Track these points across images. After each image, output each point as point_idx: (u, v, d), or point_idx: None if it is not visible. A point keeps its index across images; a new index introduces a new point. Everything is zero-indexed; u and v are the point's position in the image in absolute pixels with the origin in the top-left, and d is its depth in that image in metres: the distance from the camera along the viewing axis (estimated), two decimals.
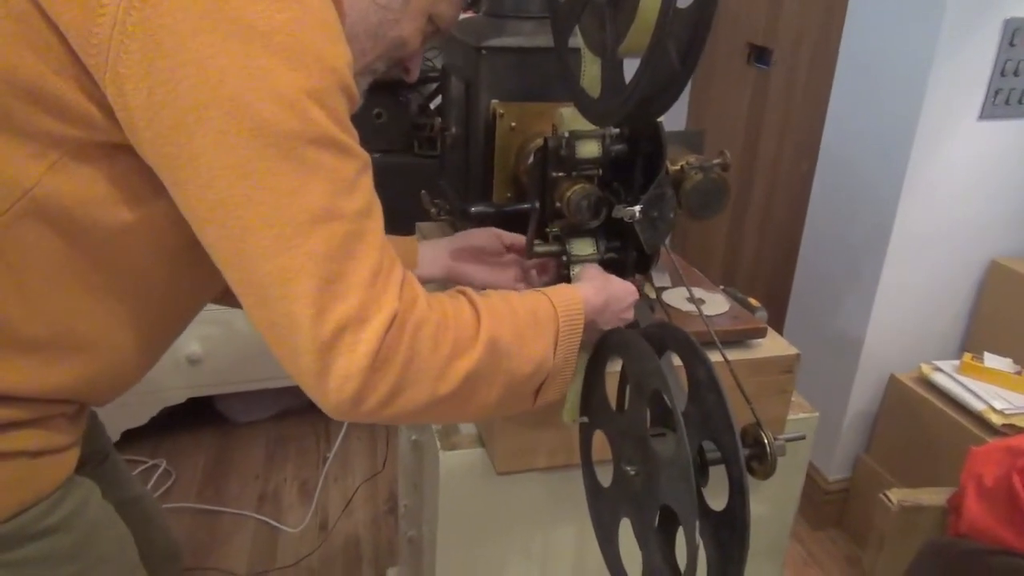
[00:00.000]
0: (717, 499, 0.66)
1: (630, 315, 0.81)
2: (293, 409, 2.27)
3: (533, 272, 0.99)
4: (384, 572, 1.70)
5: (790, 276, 1.95)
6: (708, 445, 0.67)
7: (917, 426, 1.70)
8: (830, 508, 1.90)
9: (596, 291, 0.78)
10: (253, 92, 0.54)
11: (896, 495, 1.53)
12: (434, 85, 2.21)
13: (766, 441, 0.71)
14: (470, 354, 0.64)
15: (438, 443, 0.91)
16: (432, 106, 2.11)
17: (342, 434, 1.69)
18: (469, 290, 0.71)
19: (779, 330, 1.93)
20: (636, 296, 0.82)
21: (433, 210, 1.16)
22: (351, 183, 0.59)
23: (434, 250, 0.99)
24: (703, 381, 0.66)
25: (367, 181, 0.62)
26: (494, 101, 1.01)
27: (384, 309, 0.59)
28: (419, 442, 1.09)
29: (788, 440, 0.77)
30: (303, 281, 0.56)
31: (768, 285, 2.13)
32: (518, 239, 0.98)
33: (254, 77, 0.54)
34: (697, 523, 0.60)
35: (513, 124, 1.01)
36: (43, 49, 0.56)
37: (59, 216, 0.61)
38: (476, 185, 1.06)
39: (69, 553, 0.73)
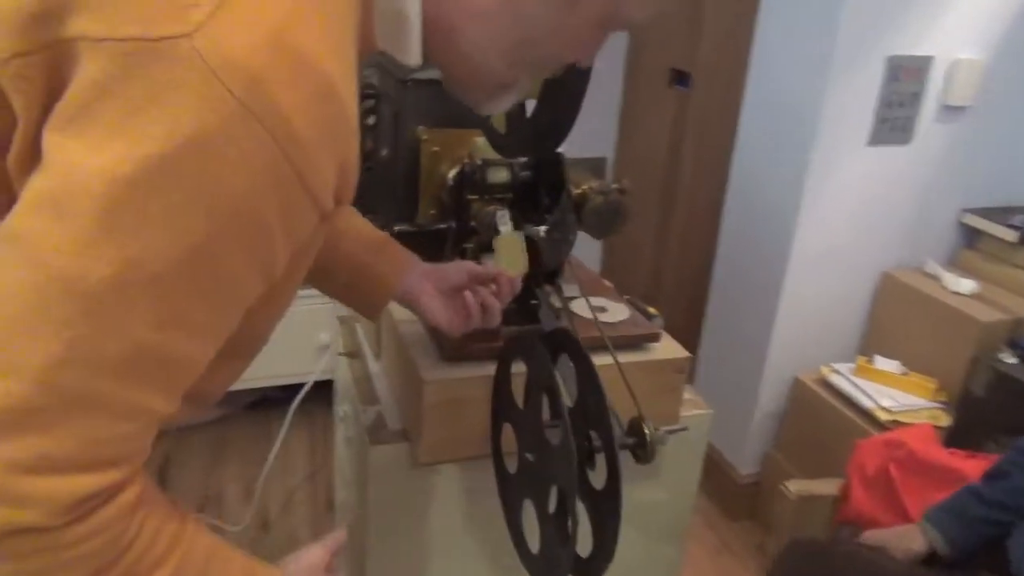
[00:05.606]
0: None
1: None
2: (234, 412, 2.33)
3: (493, 299, 0.89)
4: None
5: (707, 288, 2.10)
6: (596, 434, 0.78)
7: (818, 423, 1.85)
8: (743, 500, 2.05)
9: None
10: None
11: (794, 486, 1.68)
12: (372, 101, 2.29)
13: (646, 431, 0.84)
14: None
15: (367, 439, 1.01)
16: (370, 121, 2.19)
17: (282, 435, 1.75)
18: (190, 528, 0.60)
19: (696, 337, 2.08)
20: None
21: None
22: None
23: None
24: (587, 380, 0.77)
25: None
26: (419, 128, 1.11)
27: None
28: (351, 439, 1.18)
29: (670, 431, 0.90)
30: None
31: (688, 296, 2.27)
32: (485, 272, 0.91)
33: None
34: (576, 495, 0.71)
35: (436, 148, 1.11)
36: None
37: None
38: (403, 204, 1.16)
39: None
